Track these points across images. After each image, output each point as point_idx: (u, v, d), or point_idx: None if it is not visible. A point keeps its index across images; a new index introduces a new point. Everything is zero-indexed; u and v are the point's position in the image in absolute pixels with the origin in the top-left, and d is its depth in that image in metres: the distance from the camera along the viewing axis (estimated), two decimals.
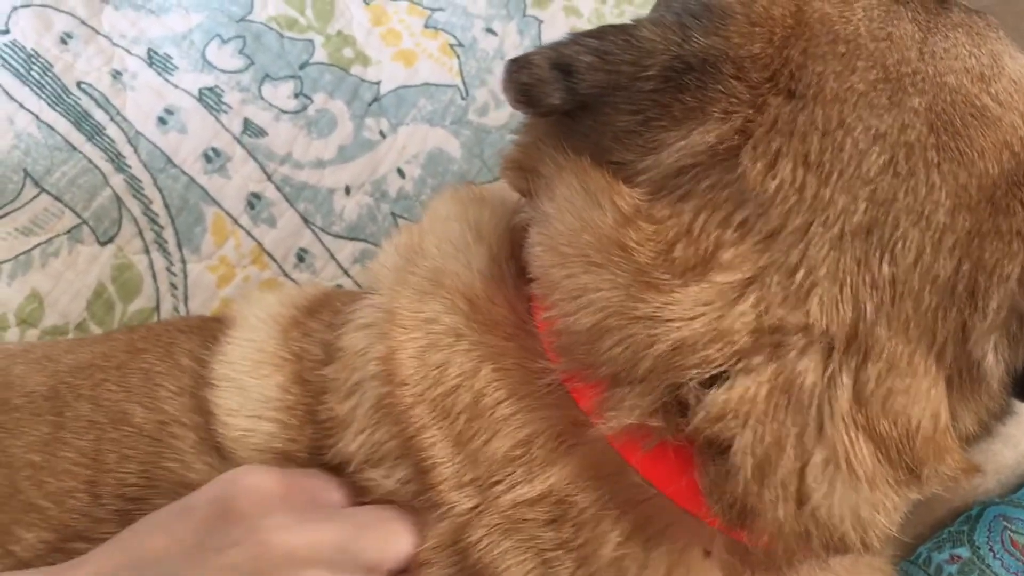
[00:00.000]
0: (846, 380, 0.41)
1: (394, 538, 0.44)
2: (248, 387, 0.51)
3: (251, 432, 0.50)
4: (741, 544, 0.44)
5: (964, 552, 0.59)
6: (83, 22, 0.76)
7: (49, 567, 0.42)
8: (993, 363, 0.42)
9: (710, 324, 0.41)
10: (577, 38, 0.44)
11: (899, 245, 0.41)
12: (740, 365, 0.41)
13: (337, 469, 0.48)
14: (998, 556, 0.58)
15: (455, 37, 0.80)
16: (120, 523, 0.49)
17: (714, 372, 0.41)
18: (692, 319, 0.41)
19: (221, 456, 0.50)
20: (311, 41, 0.78)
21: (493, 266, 0.49)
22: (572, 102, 0.44)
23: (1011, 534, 0.58)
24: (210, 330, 0.56)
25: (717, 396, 0.41)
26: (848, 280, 0.41)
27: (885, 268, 0.41)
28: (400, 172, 0.77)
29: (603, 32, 0.44)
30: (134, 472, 0.51)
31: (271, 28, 0.78)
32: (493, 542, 0.44)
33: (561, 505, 0.44)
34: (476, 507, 0.44)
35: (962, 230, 0.42)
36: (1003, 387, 0.43)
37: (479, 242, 0.50)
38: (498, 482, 0.44)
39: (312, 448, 0.49)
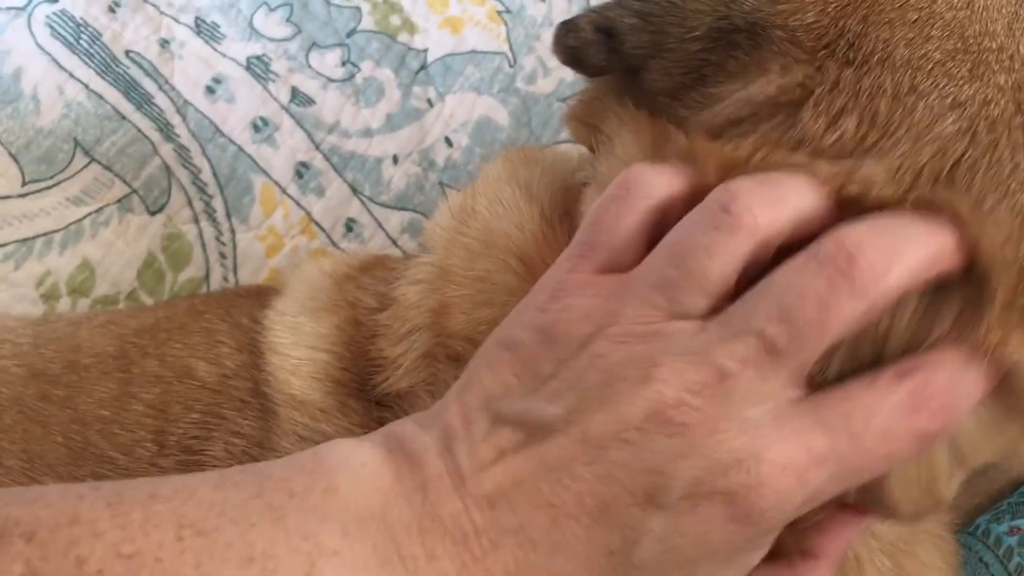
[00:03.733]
0: None
1: (703, 276, 0.38)
2: (303, 326, 0.53)
3: (307, 361, 0.51)
4: None
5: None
6: None
7: (401, 421, 0.40)
8: None
9: None
10: (622, 0, 0.44)
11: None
12: None
13: (385, 398, 0.49)
14: None
15: (503, 3, 0.79)
16: (181, 471, 0.50)
17: None
18: None
19: (267, 401, 0.51)
20: (358, 8, 0.78)
21: (546, 228, 0.48)
22: (620, 63, 0.45)
23: None
24: (266, 294, 0.58)
25: None
26: None
27: None
28: (448, 141, 0.76)
29: None
30: (197, 423, 0.52)
31: None
32: None
33: None
34: None
35: None
36: None
37: (530, 203, 0.49)
38: None
39: (362, 380, 0.50)
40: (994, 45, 0.41)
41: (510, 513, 0.36)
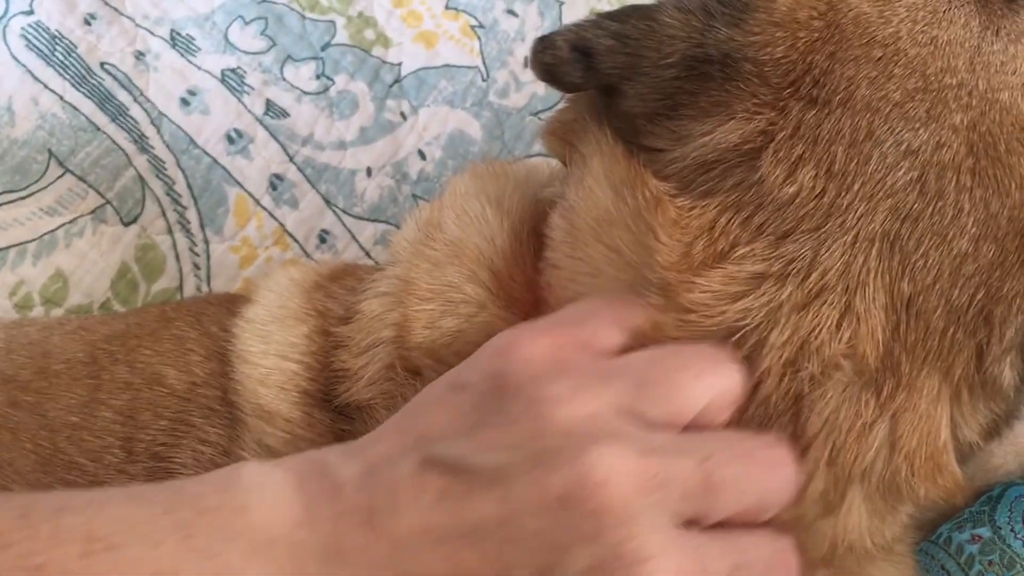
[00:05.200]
0: None
1: (679, 392, 0.40)
2: (273, 334, 0.53)
3: (275, 371, 0.52)
4: None
5: (985, 532, 0.59)
6: (106, 3, 0.77)
7: (329, 448, 0.41)
8: (1009, 376, 0.42)
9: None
10: (599, 21, 0.45)
11: (920, 264, 0.41)
12: None
13: (346, 409, 0.50)
14: (1019, 536, 0.58)
15: (476, 18, 0.80)
16: (149, 479, 0.51)
17: None
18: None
19: (235, 410, 0.52)
20: (332, 22, 0.79)
21: (515, 242, 0.49)
22: (596, 81, 0.45)
23: None
24: (236, 302, 0.58)
25: None
26: (860, 290, 0.41)
27: (905, 286, 0.41)
28: (421, 154, 0.77)
29: (626, 15, 0.45)
30: (165, 430, 0.52)
31: (293, 9, 0.78)
32: None
33: None
34: None
35: (984, 259, 0.41)
36: (1017, 391, 0.44)
37: (501, 217, 0.50)
38: None
39: (327, 391, 0.51)
40: (954, 82, 0.42)
41: (412, 559, 0.37)
